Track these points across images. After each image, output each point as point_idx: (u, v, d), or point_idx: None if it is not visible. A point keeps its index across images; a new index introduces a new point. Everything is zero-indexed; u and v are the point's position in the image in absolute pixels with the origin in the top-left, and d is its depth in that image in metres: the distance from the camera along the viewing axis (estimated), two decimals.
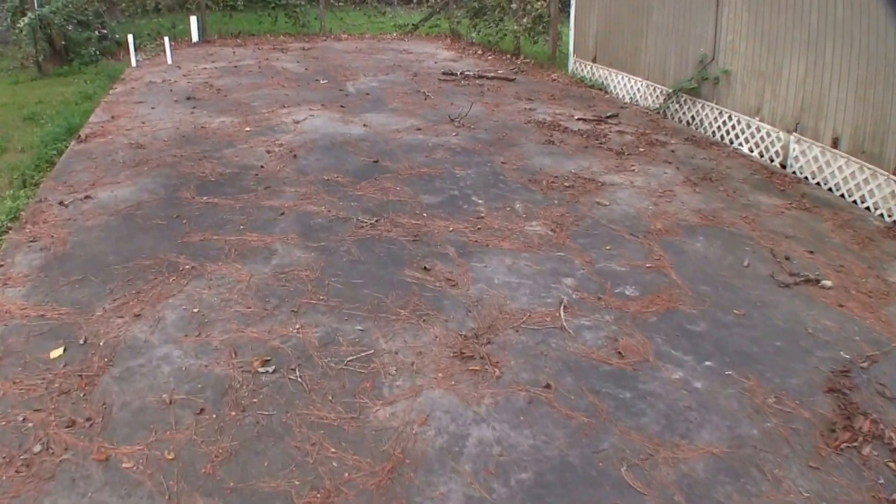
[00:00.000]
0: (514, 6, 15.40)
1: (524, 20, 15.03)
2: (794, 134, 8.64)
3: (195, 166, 7.54)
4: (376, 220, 6.22)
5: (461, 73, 12.78)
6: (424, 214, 6.43)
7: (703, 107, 10.47)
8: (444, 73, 12.88)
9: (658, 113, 11.27)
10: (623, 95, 12.38)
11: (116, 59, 15.26)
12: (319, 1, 18.15)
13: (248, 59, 14.38)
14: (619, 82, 12.53)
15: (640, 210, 6.86)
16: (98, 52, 15.42)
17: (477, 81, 12.41)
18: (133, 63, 13.87)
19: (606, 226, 6.46)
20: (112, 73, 13.16)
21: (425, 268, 5.42)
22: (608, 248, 5.99)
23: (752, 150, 9.35)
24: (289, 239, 5.82)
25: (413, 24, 18.82)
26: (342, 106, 10.21)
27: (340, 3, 18.68)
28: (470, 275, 5.35)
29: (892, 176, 7.21)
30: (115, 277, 5.12)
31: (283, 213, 6.32)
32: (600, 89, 12.67)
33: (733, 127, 9.81)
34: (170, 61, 13.95)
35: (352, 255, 5.57)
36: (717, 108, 10.08)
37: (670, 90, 11.08)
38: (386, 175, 7.40)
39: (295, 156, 7.95)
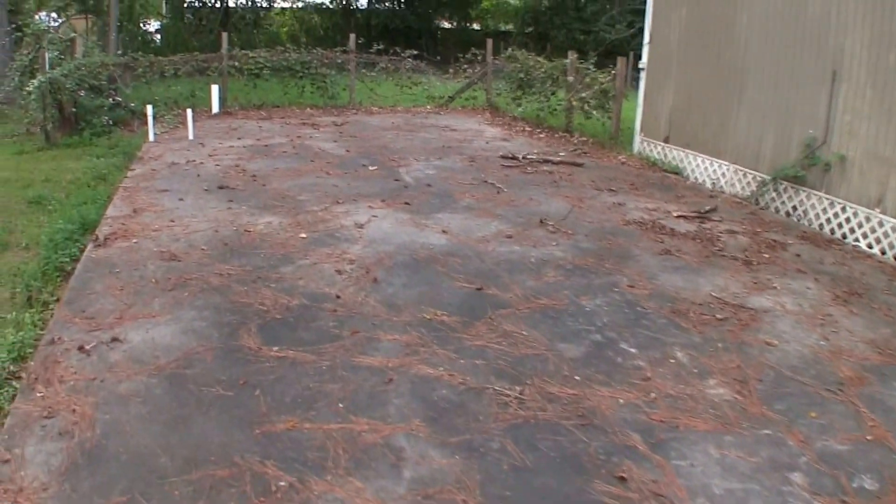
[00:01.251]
0: (570, 79, 13.93)
1: (584, 94, 13.55)
2: None
3: (250, 293, 5.89)
4: (521, 391, 4.56)
5: (523, 157, 11.27)
6: (576, 378, 4.79)
7: (808, 196, 9.23)
8: (503, 157, 11.38)
9: (751, 203, 9.91)
10: (703, 181, 10.98)
11: (130, 130, 13.77)
12: (350, 70, 16.66)
13: (278, 136, 12.84)
14: (697, 166, 11.09)
15: (814, 349, 5.42)
16: (111, 122, 13.91)
17: (544, 167, 10.88)
18: (150, 137, 12.29)
19: (792, 378, 4.96)
20: (127, 150, 11.63)
21: (621, 477, 3.73)
22: (813, 415, 4.50)
23: (871, 247, 8.21)
24: (413, 428, 4.13)
25: (449, 97, 17.35)
26: (407, 203, 8.62)
27: (372, 74, 17.17)
28: (679, 482, 3.74)
29: None
30: (176, 503, 3.39)
31: (390, 380, 4.64)
32: (675, 174, 11.23)
33: (848, 220, 8.64)
34: (191, 136, 12.40)
35: (511, 457, 3.90)
36: (827, 199, 8.92)
37: (767, 177, 9.80)
38: (500, 310, 5.78)
39: (375, 279, 6.31)
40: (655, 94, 12.28)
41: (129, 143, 12.38)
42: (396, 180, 9.76)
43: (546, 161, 11.27)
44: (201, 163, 10.53)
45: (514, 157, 11.33)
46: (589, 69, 14.13)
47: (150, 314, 5.49)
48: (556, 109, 14.80)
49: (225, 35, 16.40)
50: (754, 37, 10.31)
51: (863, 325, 5.90)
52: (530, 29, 34.18)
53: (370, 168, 10.43)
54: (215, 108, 15.07)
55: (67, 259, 6.66)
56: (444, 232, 7.65)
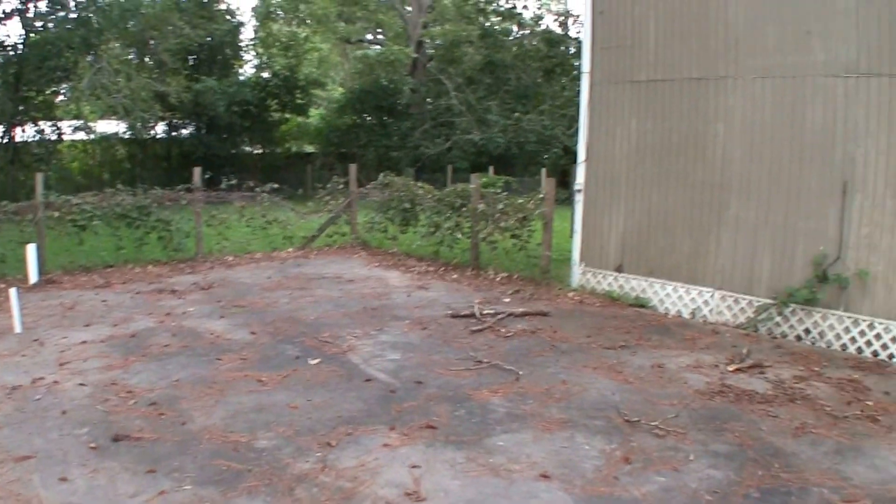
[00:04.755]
0: (480, 207, 11.07)
1: (505, 223, 10.74)
2: None
3: None
4: None
5: (481, 314, 8.19)
6: None
7: (823, 317, 7.72)
8: (452, 316, 8.27)
9: (749, 330, 8.14)
10: (678, 311, 8.91)
11: None
12: (196, 212, 12.59)
13: (139, 315, 8.74)
14: (668, 295, 8.96)
15: None
16: None
17: (516, 324, 7.94)
18: None
19: None
20: None
21: None
22: None
23: None
24: None
25: (313, 235, 13.76)
26: (431, 426, 5.21)
27: (224, 215, 13.12)
28: None
29: None
30: None
31: None
32: (641, 306, 8.85)
33: (878, 336, 7.29)
34: (19, 328, 8.09)
35: None
36: (849, 317, 7.53)
37: (768, 301, 8.08)
38: None
39: None
40: (599, 218, 9.77)
41: None
42: (367, 380, 6.25)
43: (509, 314, 8.28)
44: (56, 382, 6.41)
45: (469, 315, 8.24)
46: (499, 193, 11.43)
47: None
48: (457, 242, 11.79)
49: (39, 176, 11.68)
50: (735, 150, 8.42)
51: None
52: (332, 149, 31.44)
53: (310, 361, 6.80)
54: (33, 277, 10.56)
55: None
56: (544, 476, 4.37)
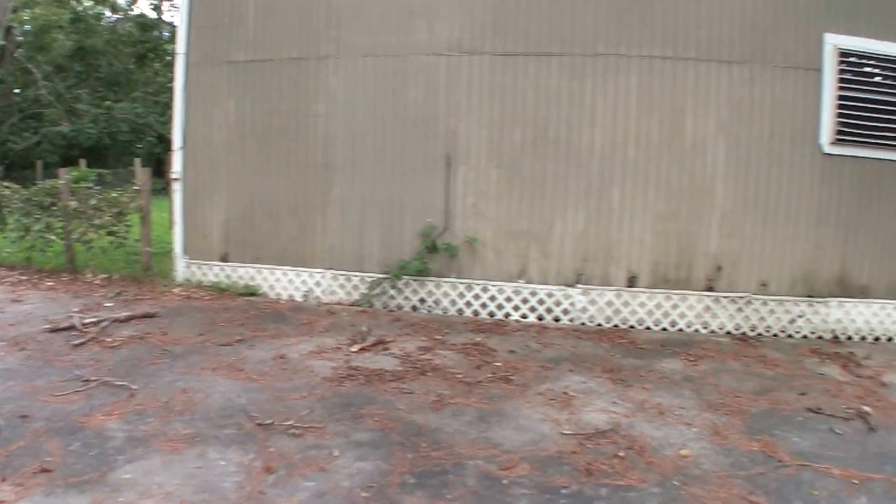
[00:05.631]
0: (73, 204, 9.48)
1: (100, 220, 9.37)
2: (578, 286, 7.48)
3: None
4: None
5: (82, 324, 6.92)
6: None
7: (437, 286, 7.94)
8: (52, 330, 6.82)
9: (365, 306, 8.08)
10: (291, 295, 8.57)
11: None
12: None
13: None
14: (278, 280, 8.70)
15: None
16: None
17: (122, 331, 6.85)
18: None
19: None
20: None
21: None
22: None
23: (525, 317, 7.63)
24: None
25: None
26: (46, 470, 4.07)
27: None
28: None
29: (703, 293, 7.24)
30: None
31: None
32: (252, 294, 8.49)
33: (492, 298, 7.73)
34: None
35: None
36: (462, 283, 7.84)
37: (382, 275, 8.09)
38: None
39: None
40: (200, 206, 8.84)
41: None
42: None
43: (113, 321, 7.10)
44: None
45: (69, 328, 6.85)
46: (91, 188, 9.89)
47: None
48: (50, 245, 10.00)
49: None
50: (339, 130, 8.25)
51: (677, 403, 4.75)
52: None
53: None
54: None
55: None
56: None
